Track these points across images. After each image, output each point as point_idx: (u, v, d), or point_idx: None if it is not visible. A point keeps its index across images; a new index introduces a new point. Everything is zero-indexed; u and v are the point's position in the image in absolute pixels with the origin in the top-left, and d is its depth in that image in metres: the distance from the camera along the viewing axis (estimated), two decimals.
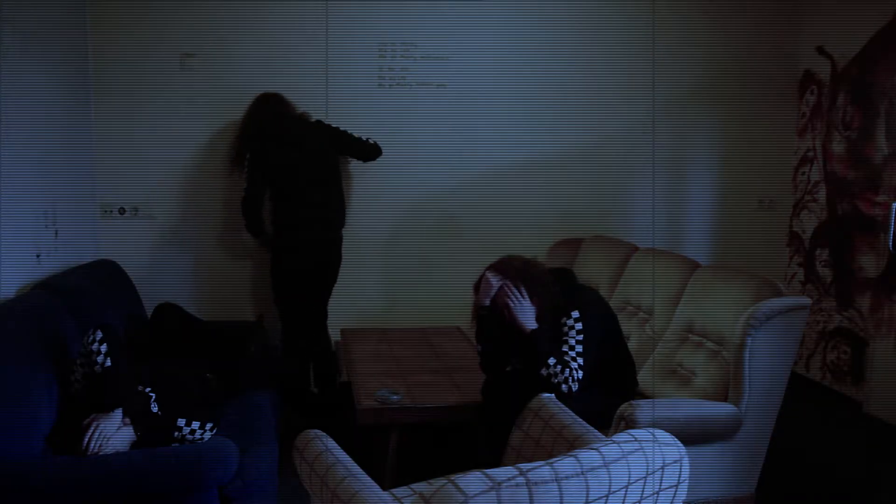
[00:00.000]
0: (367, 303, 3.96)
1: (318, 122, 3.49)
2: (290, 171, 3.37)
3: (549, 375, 2.37)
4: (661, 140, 4.11)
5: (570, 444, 1.88)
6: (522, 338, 2.49)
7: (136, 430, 2.13)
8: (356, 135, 3.51)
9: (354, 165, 3.76)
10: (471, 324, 2.83)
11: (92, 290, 2.88)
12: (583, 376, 2.41)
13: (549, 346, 2.43)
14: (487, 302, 2.53)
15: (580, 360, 2.42)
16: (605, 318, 2.60)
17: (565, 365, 2.39)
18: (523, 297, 2.46)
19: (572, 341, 2.44)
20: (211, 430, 2.28)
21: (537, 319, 2.46)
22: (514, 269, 2.50)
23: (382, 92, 3.87)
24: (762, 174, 4.37)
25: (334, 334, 3.68)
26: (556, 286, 2.52)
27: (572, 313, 2.46)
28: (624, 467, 1.28)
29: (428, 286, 3.96)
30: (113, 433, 2.08)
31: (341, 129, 3.49)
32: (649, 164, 4.12)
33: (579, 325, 2.44)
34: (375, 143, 3.55)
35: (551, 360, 2.37)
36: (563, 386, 2.37)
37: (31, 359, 2.20)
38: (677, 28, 4.12)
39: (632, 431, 1.37)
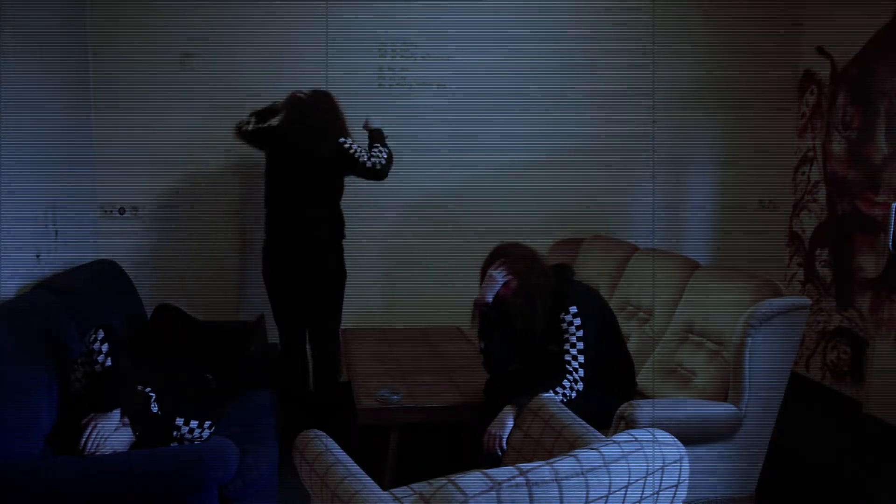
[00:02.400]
0: (367, 303, 3.96)
1: (340, 146, 3.15)
2: (283, 173, 3.27)
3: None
4: (661, 140, 4.11)
5: (571, 444, 1.88)
6: (525, 337, 2.49)
7: (134, 430, 2.13)
8: (363, 159, 3.16)
9: None
10: (471, 323, 2.82)
11: (92, 290, 2.88)
12: (585, 373, 2.42)
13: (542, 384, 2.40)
14: (490, 299, 2.52)
15: (581, 359, 2.42)
16: (603, 312, 2.61)
17: (563, 375, 2.39)
18: None
19: (573, 338, 2.44)
20: (210, 428, 2.28)
21: (530, 312, 2.45)
22: (517, 255, 2.51)
23: (382, 92, 3.87)
24: (762, 174, 4.37)
25: None
26: (555, 279, 2.52)
27: (570, 308, 2.46)
28: (624, 467, 1.28)
29: (428, 286, 3.95)
30: (110, 433, 2.07)
31: (357, 154, 3.15)
32: (649, 164, 4.12)
33: (578, 321, 2.44)
34: (384, 166, 3.18)
35: (549, 394, 2.29)
36: (573, 394, 2.38)
37: (31, 359, 2.20)
38: (677, 28, 4.13)
39: (632, 431, 1.37)
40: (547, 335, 2.49)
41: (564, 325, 2.46)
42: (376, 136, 3.31)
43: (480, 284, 2.60)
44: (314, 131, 3.19)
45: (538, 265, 2.53)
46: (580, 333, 2.44)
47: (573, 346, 2.43)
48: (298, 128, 3.20)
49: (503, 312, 2.53)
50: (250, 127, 3.31)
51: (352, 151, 3.15)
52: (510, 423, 2.22)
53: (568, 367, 2.41)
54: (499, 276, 2.50)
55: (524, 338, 2.55)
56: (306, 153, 3.18)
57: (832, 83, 4.12)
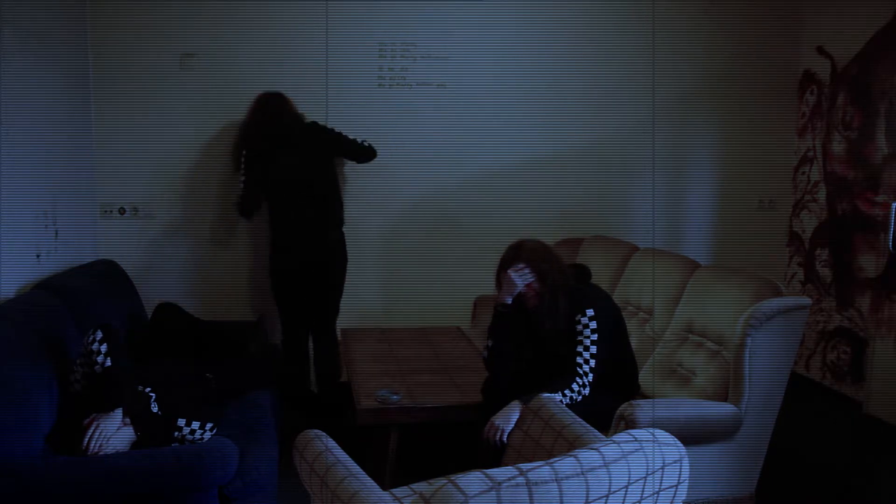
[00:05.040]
0: (367, 303, 3.96)
1: (314, 123, 3.47)
2: (285, 171, 3.36)
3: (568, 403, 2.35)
4: (661, 140, 4.11)
5: (570, 444, 1.88)
6: (538, 337, 2.47)
7: (136, 430, 2.14)
8: (350, 136, 3.49)
9: (353, 165, 3.76)
10: (471, 323, 2.81)
11: (92, 290, 2.88)
12: (593, 377, 2.41)
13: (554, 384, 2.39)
14: (510, 300, 2.51)
15: (592, 363, 2.41)
16: (616, 316, 2.59)
17: (573, 378, 2.38)
18: None
19: (587, 341, 2.42)
20: (211, 430, 2.28)
21: (553, 313, 2.44)
22: (539, 255, 2.48)
23: (382, 92, 3.87)
24: (762, 174, 4.37)
25: None
26: (573, 280, 2.52)
27: (587, 311, 2.44)
28: (624, 467, 1.28)
29: (428, 286, 3.95)
30: (113, 433, 2.08)
31: (336, 130, 3.47)
32: (649, 164, 4.12)
33: (594, 324, 2.43)
34: (370, 145, 3.52)
35: (557, 398, 2.30)
36: (579, 398, 2.38)
37: (31, 359, 2.20)
38: (677, 28, 4.13)
39: (632, 431, 1.37)
40: (558, 336, 2.48)
41: (579, 328, 2.44)
42: None
43: (497, 280, 2.55)
44: (295, 122, 3.43)
45: (559, 265, 2.51)
46: (594, 337, 2.42)
47: (586, 349, 2.42)
48: (277, 123, 3.39)
49: (522, 312, 2.51)
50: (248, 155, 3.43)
51: (338, 131, 3.44)
52: (515, 418, 2.20)
53: (579, 370, 2.40)
54: (518, 280, 2.46)
55: (534, 338, 2.54)
56: (298, 141, 3.37)
57: (832, 83, 4.12)
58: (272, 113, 3.39)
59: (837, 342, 4.05)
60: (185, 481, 1.97)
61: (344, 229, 3.56)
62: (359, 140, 3.50)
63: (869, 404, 3.73)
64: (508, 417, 2.22)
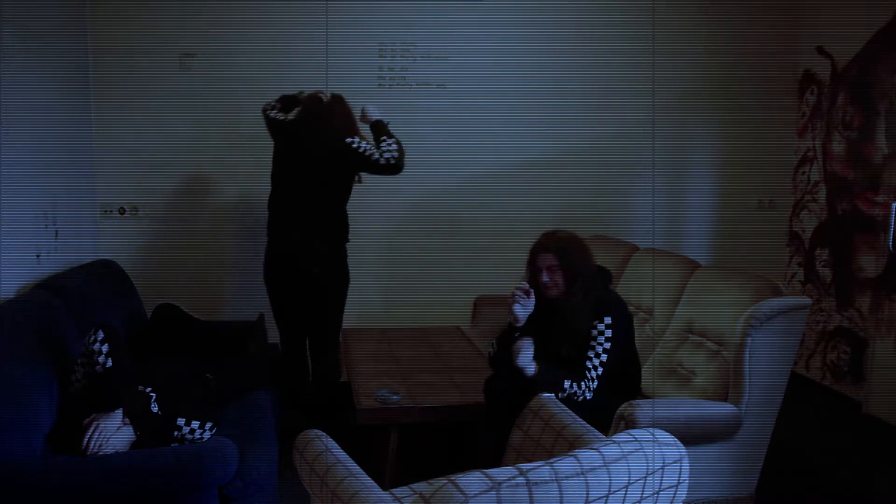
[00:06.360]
0: (367, 303, 3.96)
1: (344, 141, 3.06)
2: (291, 173, 3.25)
3: (568, 396, 2.35)
4: (661, 140, 4.11)
5: (570, 444, 1.88)
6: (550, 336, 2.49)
7: (136, 430, 2.13)
8: (375, 157, 3.04)
9: None
10: (472, 322, 2.79)
11: (92, 290, 2.88)
12: (599, 383, 2.41)
13: (559, 373, 2.40)
14: (521, 324, 2.51)
15: (601, 370, 2.41)
16: (628, 323, 2.59)
17: (581, 378, 2.38)
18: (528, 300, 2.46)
19: (599, 348, 2.42)
20: (211, 429, 2.28)
21: (577, 312, 2.44)
22: (569, 252, 2.46)
23: (382, 92, 3.87)
24: (762, 174, 4.37)
25: None
26: (599, 283, 2.52)
27: (605, 318, 2.44)
28: (624, 467, 1.28)
29: (428, 286, 3.96)
30: (113, 433, 2.08)
31: (360, 150, 3.03)
32: (649, 164, 4.12)
33: (609, 332, 2.43)
34: (396, 161, 3.03)
35: (566, 384, 2.34)
36: (580, 398, 2.38)
37: (31, 359, 2.19)
38: (677, 28, 4.13)
39: (632, 431, 1.37)
40: (571, 338, 2.47)
41: (595, 333, 2.44)
42: (380, 129, 3.18)
43: (527, 266, 2.53)
44: (323, 133, 3.09)
45: (589, 264, 2.50)
46: (607, 345, 2.42)
47: (598, 355, 2.42)
48: (309, 127, 3.11)
49: (547, 312, 2.50)
50: (272, 114, 3.24)
51: (361, 150, 3.02)
52: (527, 351, 2.34)
53: (587, 374, 2.40)
54: (522, 312, 2.48)
55: (544, 338, 2.53)
56: (313, 154, 3.11)
57: (832, 83, 4.12)
58: (312, 114, 3.12)
59: (837, 342, 4.04)
60: (185, 481, 1.97)
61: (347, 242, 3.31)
62: (384, 159, 3.02)
63: (869, 404, 3.73)
64: (523, 346, 2.37)
